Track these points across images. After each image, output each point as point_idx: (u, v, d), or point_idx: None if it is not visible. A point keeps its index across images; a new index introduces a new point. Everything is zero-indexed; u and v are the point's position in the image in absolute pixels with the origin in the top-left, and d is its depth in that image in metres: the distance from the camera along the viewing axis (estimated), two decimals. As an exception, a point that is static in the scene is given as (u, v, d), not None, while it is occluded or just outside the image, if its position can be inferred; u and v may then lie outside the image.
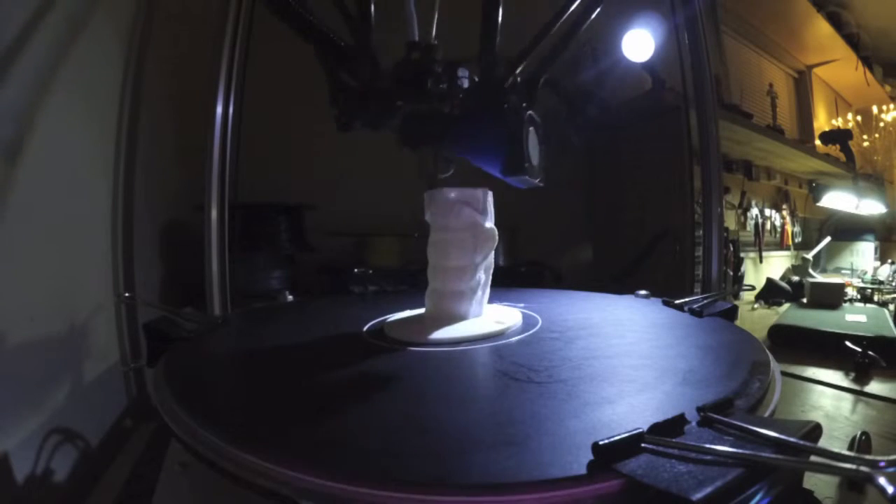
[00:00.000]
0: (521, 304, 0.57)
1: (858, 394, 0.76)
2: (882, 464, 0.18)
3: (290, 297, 0.90)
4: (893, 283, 1.55)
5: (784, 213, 1.95)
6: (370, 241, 1.10)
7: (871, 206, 1.77)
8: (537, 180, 0.38)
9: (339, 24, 0.43)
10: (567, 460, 0.22)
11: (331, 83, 0.43)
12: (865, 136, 2.11)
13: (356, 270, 0.99)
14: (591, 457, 0.22)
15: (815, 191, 1.89)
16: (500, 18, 0.38)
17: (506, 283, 0.70)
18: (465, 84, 0.41)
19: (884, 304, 1.43)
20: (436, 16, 0.44)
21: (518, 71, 0.40)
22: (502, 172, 0.37)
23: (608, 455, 0.22)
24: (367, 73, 0.41)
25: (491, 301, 0.52)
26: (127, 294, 0.75)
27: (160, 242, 0.92)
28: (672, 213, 1.18)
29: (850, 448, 0.54)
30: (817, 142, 2.00)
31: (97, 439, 0.65)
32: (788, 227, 1.95)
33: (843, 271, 1.81)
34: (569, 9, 0.40)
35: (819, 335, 1.00)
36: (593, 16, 0.40)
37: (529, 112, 0.37)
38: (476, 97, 0.40)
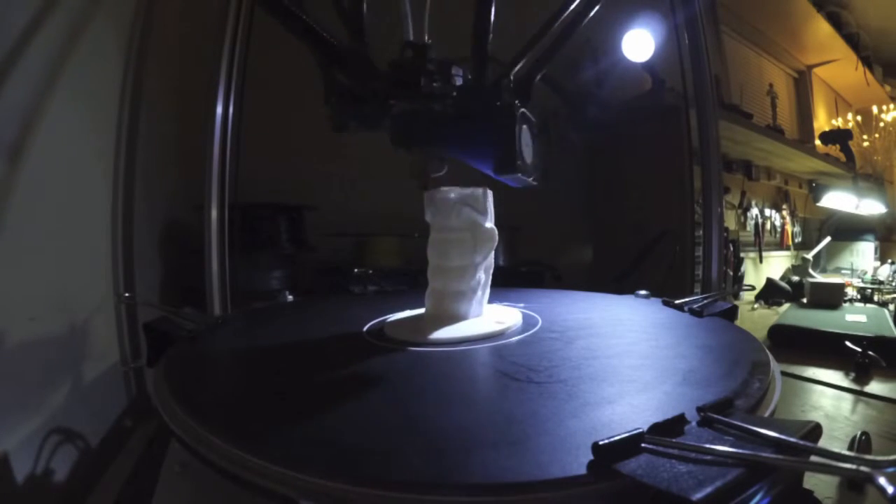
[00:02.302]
0: (521, 304, 0.57)
1: (858, 394, 0.76)
2: (882, 464, 0.18)
3: (290, 297, 0.90)
4: (893, 283, 1.55)
5: (784, 213, 1.95)
6: (370, 241, 1.10)
7: (871, 206, 1.77)
8: (531, 179, 0.38)
9: (335, 23, 0.43)
10: (567, 460, 0.22)
11: (326, 83, 0.42)
12: (865, 136, 2.11)
13: (356, 270, 0.99)
14: (591, 457, 0.22)
15: (815, 191, 1.89)
16: (492, 17, 0.38)
17: (506, 283, 0.70)
18: (459, 83, 0.40)
19: (884, 304, 1.43)
20: (426, 15, 0.44)
21: (514, 70, 0.39)
22: (494, 171, 0.37)
23: (608, 455, 0.22)
24: (362, 72, 0.41)
25: (491, 301, 0.51)
26: (127, 294, 0.75)
27: (160, 242, 0.92)
28: (672, 213, 1.18)
29: (850, 448, 0.54)
30: (817, 142, 2.00)
31: (97, 439, 0.65)
32: (788, 227, 1.95)
33: (843, 271, 1.81)
34: (567, 9, 0.39)
35: (819, 335, 1.00)
36: (591, 14, 0.40)
37: (522, 110, 0.37)
38: (469, 96, 0.40)
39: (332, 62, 0.42)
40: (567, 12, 0.40)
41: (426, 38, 0.43)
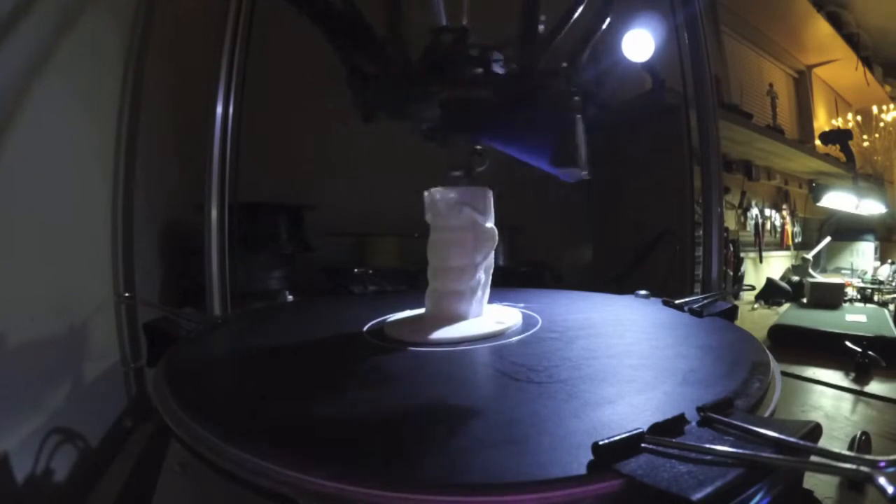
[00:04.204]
0: (521, 304, 0.57)
1: (858, 394, 0.75)
2: (882, 464, 0.18)
3: (290, 297, 0.90)
4: (893, 283, 1.55)
5: (784, 213, 1.95)
6: (370, 241, 1.10)
7: (871, 206, 1.77)
8: (585, 172, 0.35)
9: (363, 8, 0.40)
10: (567, 460, 0.22)
11: (351, 71, 0.40)
12: (865, 136, 2.11)
13: (356, 270, 0.99)
14: (591, 457, 0.22)
15: (815, 191, 1.88)
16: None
17: (506, 283, 0.70)
18: (501, 70, 0.38)
19: (884, 304, 1.43)
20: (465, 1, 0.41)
21: (558, 50, 0.37)
22: (552, 164, 0.34)
23: (608, 455, 0.22)
24: (396, 59, 0.39)
25: (491, 301, 0.51)
26: (127, 294, 0.75)
27: (160, 242, 0.92)
28: (672, 213, 1.18)
29: (850, 448, 0.54)
30: (817, 142, 2.00)
31: (97, 439, 0.65)
32: (788, 227, 1.95)
33: (843, 271, 1.81)
34: None
35: (819, 335, 1.00)
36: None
37: (577, 98, 0.34)
38: (518, 84, 0.37)
39: (360, 49, 0.39)
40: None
41: (464, 21, 0.40)
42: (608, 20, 0.38)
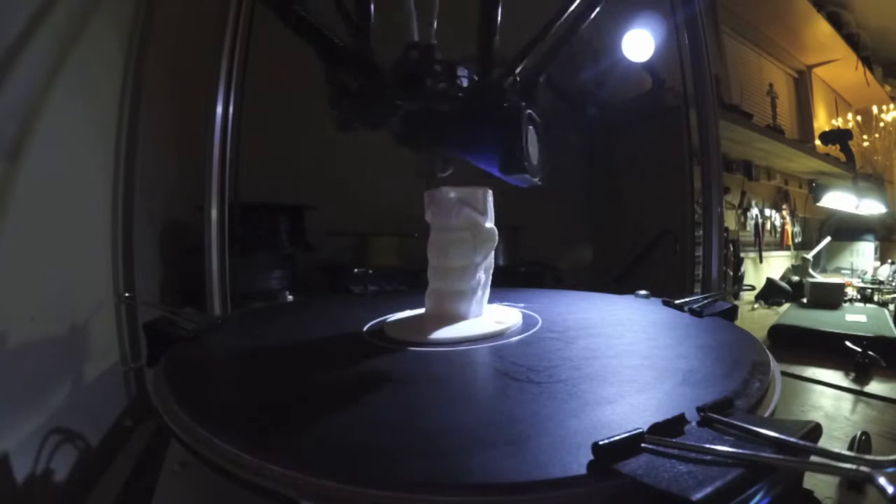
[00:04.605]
0: (521, 304, 0.57)
1: (858, 394, 0.76)
2: (882, 464, 0.18)
3: (290, 297, 0.90)
4: (893, 283, 1.55)
5: (784, 213, 1.95)
6: (370, 241, 1.10)
7: (871, 206, 1.77)
8: (537, 179, 0.38)
9: (339, 23, 0.43)
10: (567, 460, 0.22)
11: (330, 84, 0.42)
12: (865, 136, 2.11)
13: (356, 270, 0.99)
14: (591, 457, 0.22)
15: (815, 191, 1.89)
16: (499, 18, 0.38)
17: (506, 283, 0.70)
18: (465, 84, 0.40)
19: (884, 304, 1.43)
20: (435, 16, 0.44)
21: (517, 70, 0.39)
22: (501, 171, 0.37)
23: (608, 455, 0.22)
24: (366, 73, 0.41)
25: (491, 301, 0.51)
26: (127, 294, 0.75)
27: (160, 242, 0.92)
28: (672, 213, 1.18)
29: (850, 448, 0.54)
30: (817, 142, 2.00)
31: (97, 439, 0.65)
32: (788, 227, 1.95)
33: (843, 271, 1.81)
34: (568, 8, 0.40)
35: (819, 335, 1.00)
36: (593, 14, 0.40)
37: (529, 111, 0.37)
38: (475, 97, 0.40)
39: (337, 63, 0.41)
40: (568, 12, 0.40)
41: (432, 38, 0.43)
42: (584, 24, 0.40)
